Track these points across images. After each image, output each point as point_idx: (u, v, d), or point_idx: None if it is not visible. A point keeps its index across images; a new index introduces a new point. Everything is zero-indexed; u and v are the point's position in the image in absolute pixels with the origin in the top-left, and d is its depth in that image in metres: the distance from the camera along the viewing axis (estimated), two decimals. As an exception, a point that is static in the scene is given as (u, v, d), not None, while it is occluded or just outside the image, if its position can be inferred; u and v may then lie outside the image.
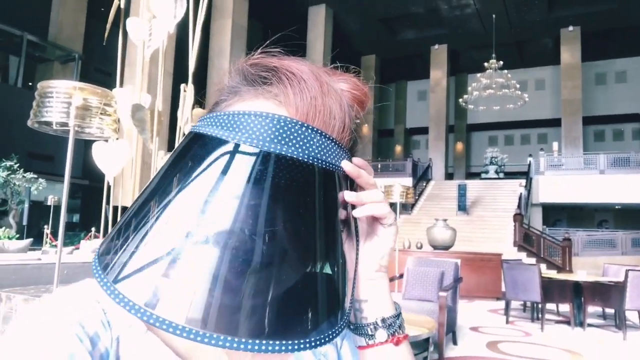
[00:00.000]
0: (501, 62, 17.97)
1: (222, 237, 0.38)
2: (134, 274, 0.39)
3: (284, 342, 0.37)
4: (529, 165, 17.17)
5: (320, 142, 0.42)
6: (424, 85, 25.08)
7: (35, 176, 11.27)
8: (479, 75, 18.79)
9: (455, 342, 5.19)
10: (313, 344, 0.39)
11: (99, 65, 16.04)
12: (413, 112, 26.62)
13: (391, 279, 7.32)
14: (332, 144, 0.43)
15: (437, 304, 4.61)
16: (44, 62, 14.90)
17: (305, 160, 0.41)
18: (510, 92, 18.20)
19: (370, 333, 0.50)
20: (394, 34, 21.71)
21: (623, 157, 16.01)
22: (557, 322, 6.94)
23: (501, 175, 21.36)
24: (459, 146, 25.77)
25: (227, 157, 0.40)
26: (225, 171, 0.40)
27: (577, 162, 16.75)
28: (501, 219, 14.76)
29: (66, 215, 2.84)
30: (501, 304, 7.75)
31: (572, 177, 16.19)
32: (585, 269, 7.18)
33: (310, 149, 0.41)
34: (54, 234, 10.83)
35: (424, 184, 19.08)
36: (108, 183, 4.03)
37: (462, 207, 15.90)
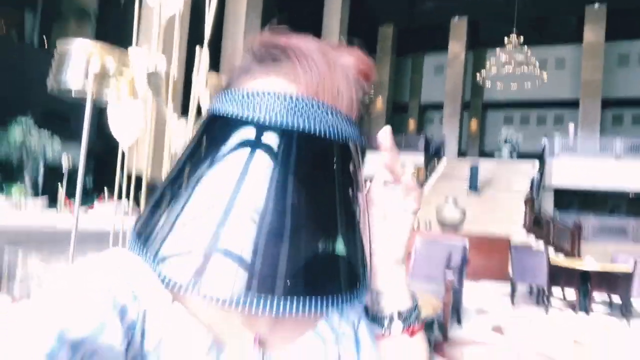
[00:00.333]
0: (522, 38, 17.52)
1: (254, 208, 0.40)
2: (174, 248, 0.41)
3: (314, 301, 0.40)
4: (544, 147, 16.95)
5: (331, 117, 0.44)
6: (441, 59, 24.58)
7: (51, 136, 11.40)
8: (498, 50, 18.37)
9: (459, 323, 5.25)
10: (344, 299, 0.42)
11: (115, 26, 15.92)
12: (429, 87, 26.17)
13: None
14: (342, 119, 0.45)
15: (442, 285, 4.64)
16: (60, 20, 14.81)
17: (320, 133, 0.43)
18: (529, 69, 17.82)
19: (386, 325, 0.53)
20: (413, 3, 21.17)
21: (640, 143, 15.74)
22: (562, 307, 6.98)
23: (515, 155, 21.13)
24: (474, 124, 25.42)
25: (248, 134, 0.43)
26: (248, 148, 0.42)
27: (593, 146, 16.51)
28: (513, 201, 14.67)
29: (85, 176, 2.86)
30: (507, 287, 7.79)
31: (587, 162, 15.98)
32: (593, 255, 7.17)
33: (322, 124, 0.43)
34: (68, 193, 11.00)
35: (436, 161, 18.95)
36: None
37: (474, 187, 15.82)
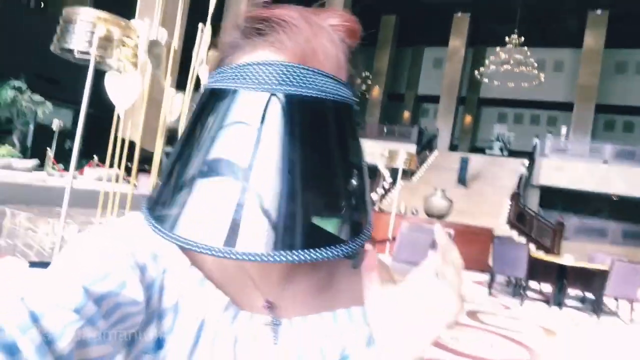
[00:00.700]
0: (522, 38, 17.58)
1: (258, 171, 0.42)
2: (188, 217, 0.43)
3: (327, 249, 0.42)
4: (535, 146, 17.13)
5: (320, 80, 0.45)
6: (440, 53, 24.57)
7: (42, 99, 11.24)
8: (497, 49, 18.43)
9: (437, 307, 5.38)
10: (350, 247, 0.44)
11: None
12: (426, 79, 26.20)
13: (383, 241, 7.48)
14: (332, 80, 0.46)
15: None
16: (58, -17, 14.56)
17: (312, 95, 0.44)
18: (527, 70, 17.91)
19: None
20: (417, -5, 21.09)
21: (629, 150, 15.97)
22: (537, 299, 7.17)
23: (505, 153, 21.32)
24: (468, 119, 25.55)
25: (245, 105, 0.44)
26: (248, 117, 0.44)
27: (583, 149, 16.72)
28: (499, 196, 14.87)
29: (74, 142, 2.90)
30: (486, 277, 7.96)
31: (575, 164, 16.20)
32: (573, 254, 7.34)
33: (313, 87, 0.45)
34: (57, 157, 10.94)
35: (428, 153, 19.08)
36: (118, 115, 4.06)
37: (462, 180, 15.98)
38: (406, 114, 26.14)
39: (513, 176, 16.26)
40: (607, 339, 5.41)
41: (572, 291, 6.99)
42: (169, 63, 3.57)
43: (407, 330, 0.43)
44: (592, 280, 6.42)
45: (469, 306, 5.90)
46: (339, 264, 0.59)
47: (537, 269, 6.67)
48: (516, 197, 13.22)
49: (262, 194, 0.41)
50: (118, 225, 0.50)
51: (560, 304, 6.58)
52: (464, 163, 16.07)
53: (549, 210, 17.48)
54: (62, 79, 12.62)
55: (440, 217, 9.66)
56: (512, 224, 13.03)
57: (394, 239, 5.76)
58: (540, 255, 7.44)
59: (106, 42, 2.34)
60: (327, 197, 0.46)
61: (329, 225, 0.45)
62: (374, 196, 12.14)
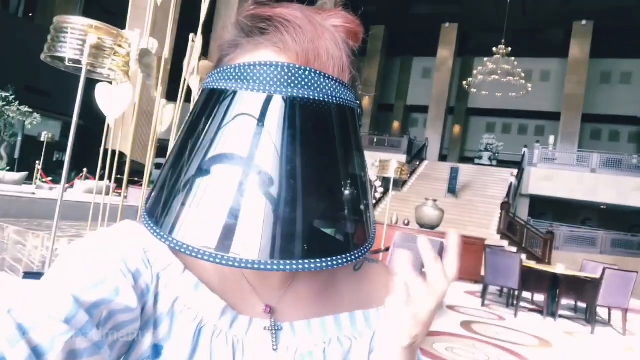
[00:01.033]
0: (509, 49, 17.82)
1: (260, 176, 0.41)
2: (186, 221, 0.42)
3: (326, 259, 0.41)
4: (523, 155, 17.29)
5: (325, 82, 0.44)
6: (429, 63, 24.81)
7: (31, 110, 11.10)
8: (485, 59, 18.64)
9: (431, 318, 5.35)
10: (351, 258, 0.44)
11: (103, 4, 15.63)
12: (415, 90, 26.40)
13: (376, 252, 7.45)
14: (335, 83, 0.45)
15: (419, 280, 4.73)
16: (47, -6, 14.50)
17: (316, 98, 0.43)
18: (514, 80, 18.13)
19: None
20: (406, 6, 21.32)
21: (616, 158, 16.17)
22: (530, 310, 7.17)
23: (494, 162, 21.49)
24: (457, 129, 25.76)
25: (246, 106, 0.43)
26: (249, 119, 0.42)
27: (571, 158, 16.90)
28: (488, 206, 14.95)
29: (62, 154, 2.85)
30: (478, 287, 7.96)
31: (564, 173, 16.36)
32: (563, 263, 7.37)
33: (317, 89, 0.43)
34: (46, 170, 10.80)
35: (417, 163, 19.17)
36: (108, 125, 4.01)
37: (452, 190, 16.05)
38: (396, 124, 26.29)
39: (502, 186, 16.37)
40: (603, 350, 5.40)
41: (564, 301, 6.99)
42: (160, 73, 3.53)
43: (399, 319, 0.44)
44: (584, 289, 6.43)
45: (463, 317, 5.88)
46: (340, 267, 0.58)
47: (530, 279, 6.67)
48: (506, 206, 13.29)
49: (263, 200, 0.40)
50: (108, 233, 0.48)
51: (554, 314, 6.58)
52: (454, 173, 16.16)
53: (539, 219, 17.60)
54: (51, 90, 12.52)
55: (432, 227, 9.67)
56: (502, 233, 13.08)
57: (386, 249, 5.73)
58: (531, 264, 7.45)
59: (98, 50, 2.31)
60: (330, 205, 0.45)
61: (332, 233, 0.44)
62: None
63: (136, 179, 9.72)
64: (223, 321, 0.49)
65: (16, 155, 12.68)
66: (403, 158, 17.74)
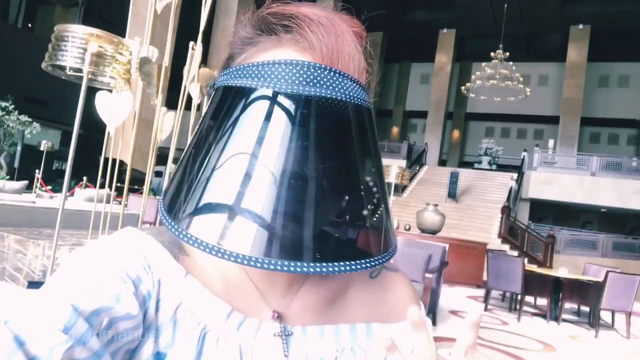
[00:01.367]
0: (507, 54, 17.87)
1: (279, 175, 0.40)
2: (205, 218, 0.41)
3: (344, 263, 0.40)
4: (523, 159, 17.29)
5: (346, 83, 0.44)
6: (427, 69, 24.90)
7: (30, 120, 11.14)
8: (483, 64, 18.70)
9: (434, 323, 5.32)
10: (369, 264, 0.42)
11: (102, 13, 15.69)
12: (414, 95, 26.48)
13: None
14: (355, 84, 0.45)
15: (422, 285, 4.71)
16: (46, 4, 14.55)
17: (339, 98, 0.43)
18: (512, 84, 18.18)
19: None
20: (403, 12, 21.41)
21: (615, 162, 16.16)
22: (534, 314, 7.13)
23: (494, 167, 21.49)
24: (456, 134, 25.79)
25: (266, 104, 0.42)
26: (268, 117, 0.42)
27: (570, 162, 16.89)
28: (489, 210, 14.92)
29: (62, 163, 2.84)
30: (481, 292, 7.93)
31: (564, 176, 16.35)
32: (565, 266, 7.34)
33: (340, 90, 0.43)
34: (45, 179, 10.79)
35: (417, 168, 19.17)
36: (109, 133, 4.00)
37: (452, 195, 16.03)
38: (395, 130, 26.32)
39: (502, 190, 16.35)
40: (608, 354, 5.37)
41: (567, 305, 6.97)
42: (160, 81, 3.53)
43: None
44: (587, 293, 6.41)
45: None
46: (354, 274, 0.56)
47: (533, 283, 6.65)
48: (507, 210, 13.27)
49: (280, 200, 0.39)
50: (108, 240, 0.47)
51: (557, 318, 6.55)
52: (454, 177, 16.15)
53: (539, 223, 17.58)
54: (50, 100, 12.54)
55: (433, 232, 9.65)
56: (503, 237, 13.06)
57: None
58: (533, 268, 7.43)
59: (99, 58, 2.31)
60: (350, 208, 0.43)
61: (351, 237, 0.43)
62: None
63: (136, 187, 9.72)
64: (229, 325, 0.47)
65: (16, 165, 12.67)
66: (403, 163, 17.74)
